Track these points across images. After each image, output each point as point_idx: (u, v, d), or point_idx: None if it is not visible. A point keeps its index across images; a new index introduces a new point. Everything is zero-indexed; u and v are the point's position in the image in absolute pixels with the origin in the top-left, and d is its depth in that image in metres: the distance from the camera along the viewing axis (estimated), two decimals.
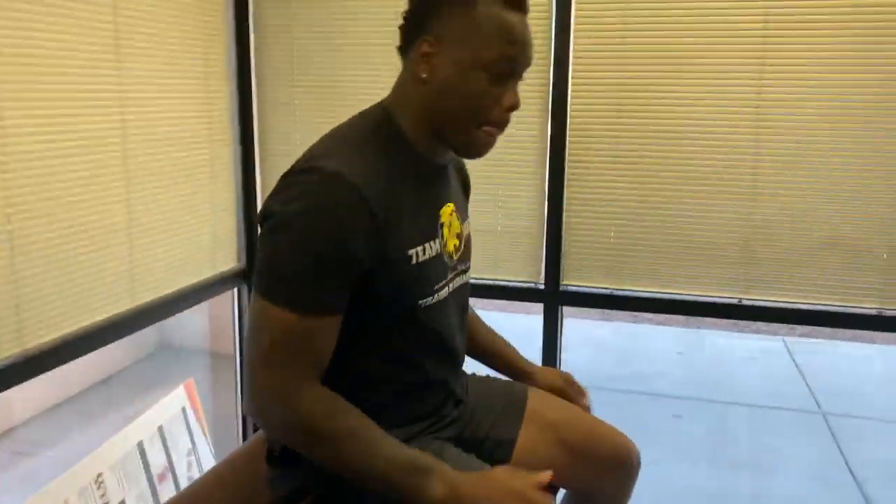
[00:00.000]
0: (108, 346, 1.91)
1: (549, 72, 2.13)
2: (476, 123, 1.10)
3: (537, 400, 1.37)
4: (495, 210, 2.26)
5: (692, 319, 5.61)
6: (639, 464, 1.41)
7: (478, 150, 1.14)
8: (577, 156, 2.16)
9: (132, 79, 1.93)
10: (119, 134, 1.90)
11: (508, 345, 1.51)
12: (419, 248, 1.12)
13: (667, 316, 5.62)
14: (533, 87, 2.15)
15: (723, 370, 4.65)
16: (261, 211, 1.08)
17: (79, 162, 1.77)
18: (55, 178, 1.71)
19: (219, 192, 2.34)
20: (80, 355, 1.83)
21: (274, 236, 1.03)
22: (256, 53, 2.38)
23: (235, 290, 2.50)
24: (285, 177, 1.07)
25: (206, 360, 3.83)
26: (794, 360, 4.88)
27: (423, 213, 1.14)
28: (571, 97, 2.13)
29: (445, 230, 1.20)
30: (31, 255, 1.66)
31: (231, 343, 2.61)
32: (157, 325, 4.10)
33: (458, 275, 1.24)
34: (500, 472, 1.09)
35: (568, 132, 2.15)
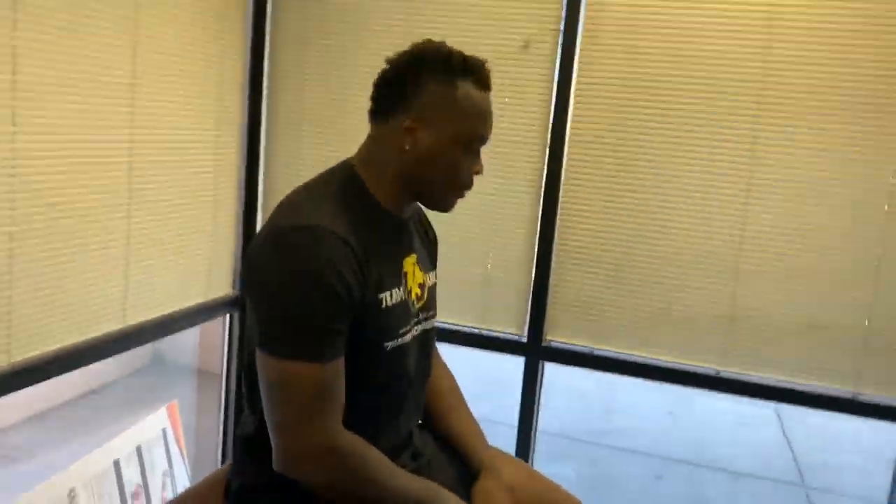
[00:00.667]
0: None
1: (546, 132, 2.19)
2: (451, 188, 1.26)
3: (495, 458, 1.40)
4: (484, 261, 2.31)
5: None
6: None
7: (446, 208, 1.29)
8: (569, 214, 2.21)
9: (144, 103, 2.01)
10: (126, 156, 1.97)
11: (472, 433, 1.44)
12: (387, 294, 1.21)
13: None
14: (528, 141, 2.21)
15: (710, 433, 4.63)
16: (251, 271, 1.14)
17: (84, 181, 1.84)
18: (59, 195, 1.77)
19: (220, 219, 2.40)
20: (68, 371, 1.87)
21: (277, 298, 1.10)
22: (269, 93, 2.46)
23: (227, 315, 2.55)
24: (270, 236, 1.13)
25: (196, 377, 3.88)
26: (783, 429, 4.86)
27: (389, 262, 1.24)
28: (567, 157, 2.19)
29: (409, 279, 1.29)
30: (28, 269, 1.71)
31: (219, 362, 2.65)
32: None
33: (419, 322, 1.31)
34: None
35: (560, 192, 2.20)
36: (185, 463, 2.46)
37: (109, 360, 3.86)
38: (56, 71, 1.72)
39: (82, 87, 1.80)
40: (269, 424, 1.12)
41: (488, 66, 1.24)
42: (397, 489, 1.16)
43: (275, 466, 1.12)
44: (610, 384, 5.37)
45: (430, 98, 1.19)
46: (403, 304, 1.25)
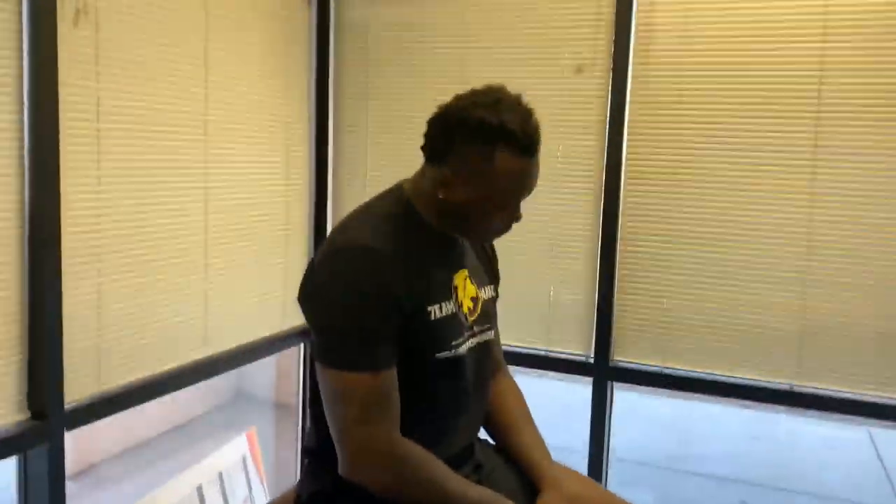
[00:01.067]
0: (189, 394, 2.06)
1: (603, 149, 2.21)
2: (484, 236, 1.38)
3: (559, 472, 1.42)
4: (548, 283, 2.32)
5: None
6: None
7: (485, 241, 1.40)
8: (631, 232, 2.22)
9: (217, 145, 2.13)
10: (202, 193, 2.09)
11: (536, 447, 1.44)
12: (436, 306, 1.26)
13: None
14: (587, 161, 2.24)
15: (797, 456, 4.45)
16: (309, 288, 1.24)
17: (164, 220, 1.96)
18: (142, 234, 1.90)
19: (292, 249, 2.50)
20: (152, 398, 1.98)
21: (332, 311, 1.19)
22: (334, 134, 2.57)
23: (302, 344, 2.64)
24: (325, 256, 1.22)
25: (273, 409, 4.00)
26: (877, 452, 4.62)
27: (437, 276, 1.29)
28: (626, 174, 2.20)
29: (460, 292, 1.33)
30: (115, 303, 1.84)
31: (295, 393, 2.74)
32: (236, 374, 4.30)
33: (474, 335, 1.35)
34: None
35: (620, 210, 2.21)
36: (264, 489, 2.54)
37: (195, 396, 4.02)
38: (134, 117, 1.86)
39: (160, 130, 1.94)
40: (332, 433, 1.19)
41: (533, 128, 1.21)
42: (457, 494, 1.20)
43: (340, 471, 1.19)
44: (689, 411, 5.23)
45: (464, 159, 1.21)
46: (454, 317, 1.30)
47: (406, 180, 1.34)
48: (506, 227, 1.31)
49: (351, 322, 1.17)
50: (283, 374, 3.78)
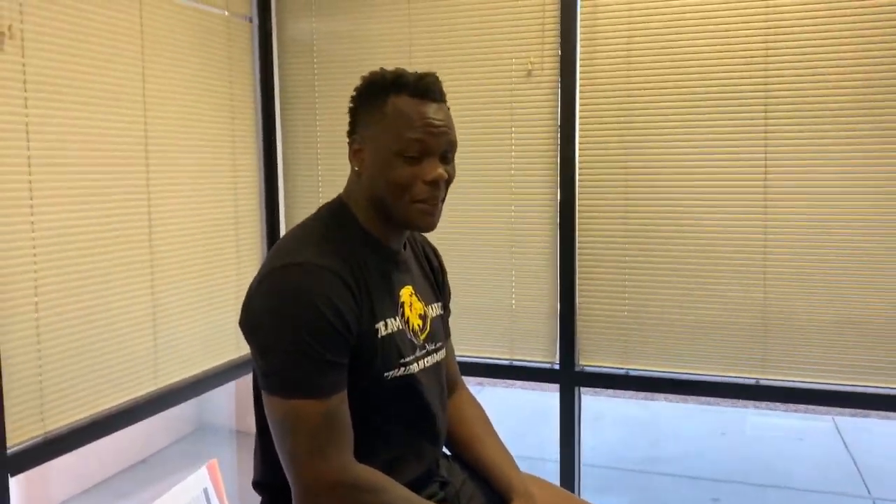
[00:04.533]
0: (148, 427, 1.97)
1: (556, 155, 2.19)
2: (405, 201, 1.21)
3: (527, 482, 1.38)
4: (509, 292, 2.30)
5: (736, 399, 5.46)
6: None
7: (420, 224, 1.23)
8: (587, 237, 2.20)
9: (160, 171, 2.06)
10: (146, 222, 2.02)
11: (502, 459, 1.39)
12: (382, 323, 1.21)
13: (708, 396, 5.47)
14: (541, 168, 2.22)
15: (766, 450, 4.48)
16: (248, 314, 1.16)
17: (106, 249, 1.88)
18: (82, 264, 1.81)
19: (244, 276, 2.43)
20: (102, 436, 1.89)
21: (274, 335, 1.11)
22: (284, 153, 2.51)
23: None
24: (263, 277, 1.16)
25: (235, 438, 3.90)
26: (843, 441, 4.68)
27: (383, 292, 1.23)
28: (579, 178, 2.19)
29: (406, 309, 1.28)
30: (55, 339, 1.75)
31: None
32: (197, 404, 4.18)
33: (428, 354, 1.30)
34: None
35: (577, 214, 2.19)
36: None
37: (154, 429, 3.89)
38: (68, 142, 1.78)
39: (97, 153, 1.86)
40: (283, 464, 1.12)
41: (430, 78, 1.23)
42: None
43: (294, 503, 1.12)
44: (658, 413, 5.25)
45: (365, 119, 1.22)
46: (402, 334, 1.25)
47: (342, 193, 1.30)
48: (420, 192, 1.19)
49: (294, 346, 1.09)
50: (243, 402, 3.69)
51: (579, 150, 2.18)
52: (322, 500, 1.10)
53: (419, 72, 1.24)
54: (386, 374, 1.20)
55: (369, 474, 1.13)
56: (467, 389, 1.51)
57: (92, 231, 1.84)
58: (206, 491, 2.42)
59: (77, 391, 1.81)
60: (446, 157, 1.23)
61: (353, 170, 1.26)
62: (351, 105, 1.26)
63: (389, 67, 1.26)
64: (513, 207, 2.25)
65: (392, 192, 1.20)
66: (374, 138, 1.21)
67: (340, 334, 1.12)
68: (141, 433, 3.79)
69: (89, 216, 1.84)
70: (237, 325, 2.27)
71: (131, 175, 1.97)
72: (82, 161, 1.81)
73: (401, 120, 1.19)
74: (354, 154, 1.24)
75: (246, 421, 3.74)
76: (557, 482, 2.25)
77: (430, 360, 1.31)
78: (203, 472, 2.46)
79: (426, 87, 1.22)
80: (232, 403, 3.85)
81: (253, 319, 1.15)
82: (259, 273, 1.18)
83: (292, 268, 1.13)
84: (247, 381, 2.65)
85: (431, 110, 1.21)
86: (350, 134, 1.26)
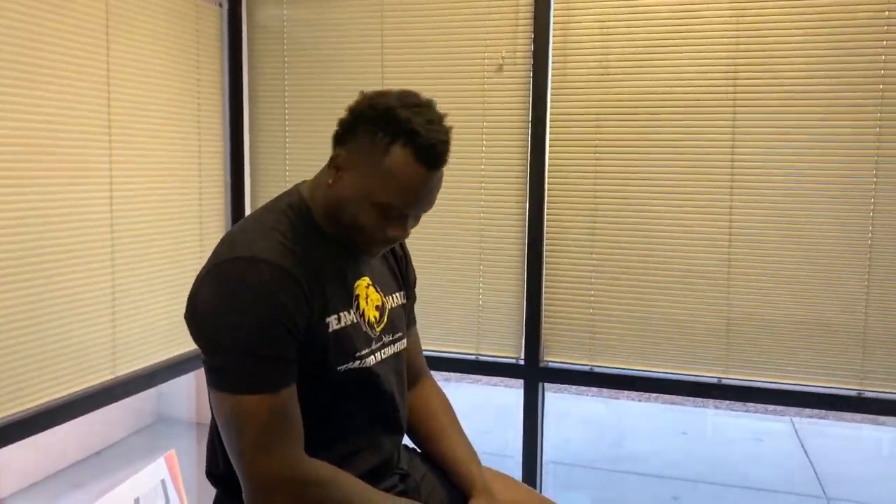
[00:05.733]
0: (105, 418, 1.92)
1: (526, 150, 2.19)
2: (363, 237, 1.17)
3: (488, 477, 1.36)
4: (476, 289, 2.29)
5: (697, 399, 5.53)
6: None
7: (366, 253, 1.21)
8: (555, 235, 2.20)
9: (122, 153, 2.01)
10: (106, 207, 1.97)
11: (464, 453, 1.37)
12: (333, 317, 1.17)
13: (670, 396, 5.53)
14: (511, 163, 2.21)
15: (725, 450, 4.54)
16: (193, 308, 1.13)
17: (64, 233, 1.83)
18: (39, 248, 1.76)
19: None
20: (57, 424, 1.85)
21: (219, 330, 1.08)
22: (251, 139, 2.47)
23: None
24: (209, 270, 1.12)
25: (195, 430, 3.84)
26: (801, 443, 4.76)
27: (336, 284, 1.20)
28: (548, 175, 2.19)
29: (362, 301, 1.25)
30: (8, 324, 1.70)
31: None
32: (156, 396, 4.11)
33: (385, 346, 1.28)
34: None
35: (545, 213, 2.19)
36: None
37: (112, 420, 3.81)
38: (28, 123, 1.73)
39: (59, 135, 1.81)
40: (232, 461, 1.09)
41: (441, 141, 1.12)
42: None
43: (245, 501, 1.09)
44: (621, 412, 5.29)
45: (360, 144, 1.13)
46: (356, 327, 1.22)
47: (304, 181, 1.26)
48: (377, 242, 1.17)
49: (240, 341, 1.06)
50: (204, 393, 3.64)
51: (549, 147, 2.18)
52: (272, 497, 1.07)
53: (434, 125, 1.13)
54: (339, 368, 1.17)
55: (319, 468, 1.11)
56: (432, 379, 1.49)
57: (51, 214, 1.79)
58: (163, 482, 2.37)
59: (30, 378, 1.76)
60: (419, 215, 1.19)
61: (325, 176, 1.18)
62: (353, 114, 1.16)
63: (409, 98, 1.14)
64: (482, 203, 2.24)
65: (352, 227, 1.16)
66: (360, 172, 1.13)
67: (288, 331, 1.08)
68: (97, 424, 3.72)
69: (48, 199, 1.79)
70: None
71: (93, 158, 1.92)
72: (42, 142, 1.76)
73: (394, 181, 1.11)
74: (333, 167, 1.16)
75: (206, 413, 3.69)
76: (520, 478, 2.25)
77: (387, 352, 1.28)
78: (161, 462, 2.41)
79: (435, 158, 1.12)
80: (192, 395, 3.79)
81: (198, 314, 1.11)
82: (207, 263, 1.14)
83: (239, 262, 1.09)
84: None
85: (429, 181, 1.14)
86: (338, 142, 1.17)
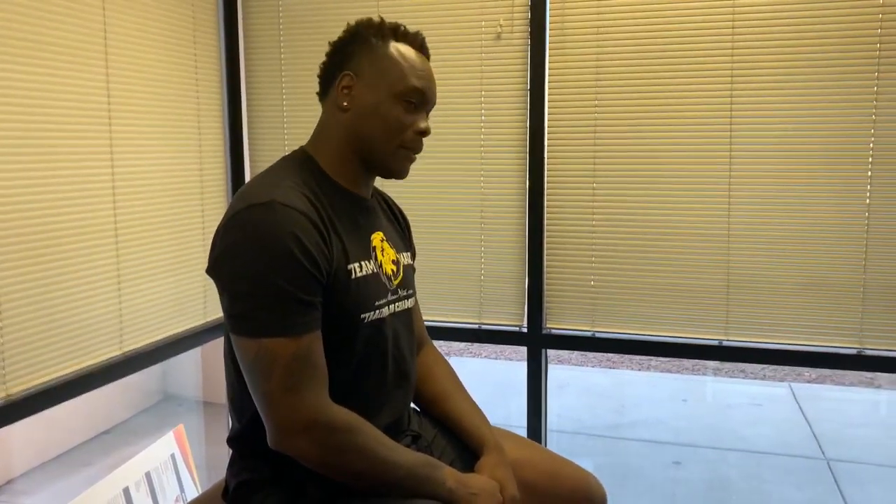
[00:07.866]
0: (113, 397, 1.94)
1: (525, 117, 2.19)
2: (394, 145, 1.23)
3: (498, 435, 1.39)
4: (478, 255, 2.30)
5: (697, 366, 5.59)
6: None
7: (398, 170, 1.26)
8: (555, 201, 2.21)
9: (123, 130, 2.01)
10: (109, 183, 1.97)
11: (472, 414, 1.40)
12: (356, 265, 1.20)
13: (671, 363, 5.58)
14: (510, 131, 2.21)
15: (725, 415, 4.60)
16: (214, 258, 1.14)
17: (69, 210, 1.84)
18: (44, 225, 1.77)
19: (210, 234, 2.39)
20: (65, 401, 1.86)
21: (242, 276, 1.09)
22: (249, 114, 2.47)
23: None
24: (229, 218, 1.13)
25: (202, 408, 3.88)
26: (799, 406, 4.82)
27: (354, 235, 1.23)
28: (548, 141, 2.19)
29: (379, 253, 1.27)
30: (17, 300, 1.71)
31: (222, 391, 2.64)
32: (162, 375, 4.14)
33: (399, 300, 1.30)
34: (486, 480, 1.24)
35: (545, 179, 2.20)
36: (197, 487, 2.44)
37: (119, 400, 3.84)
38: (26, 100, 1.73)
39: (57, 112, 1.81)
40: (258, 406, 1.11)
41: (421, 35, 1.28)
42: (391, 462, 1.14)
43: (270, 444, 1.11)
44: (621, 381, 5.34)
45: (362, 57, 1.22)
46: (376, 277, 1.24)
47: (304, 144, 1.29)
48: (413, 141, 1.24)
49: (264, 284, 1.07)
50: (209, 370, 3.66)
51: (548, 115, 2.18)
52: (297, 440, 1.09)
53: (411, 29, 1.28)
54: (362, 317, 1.19)
55: (345, 414, 1.13)
56: (434, 347, 1.51)
57: (54, 192, 1.80)
58: (172, 456, 2.41)
59: (38, 354, 1.77)
60: (429, 110, 1.28)
61: (333, 108, 1.24)
62: (338, 43, 1.26)
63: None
64: (482, 172, 2.25)
65: (384, 131, 1.22)
66: (372, 73, 1.22)
67: (309, 272, 1.10)
68: (105, 403, 3.75)
69: (51, 176, 1.79)
70: (202, 289, 2.24)
71: (94, 134, 1.92)
72: (42, 119, 1.76)
73: (406, 64, 1.22)
74: (344, 89, 1.22)
75: (212, 391, 3.72)
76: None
77: (401, 306, 1.31)
78: (170, 437, 2.45)
79: (422, 43, 1.27)
80: (198, 373, 3.82)
81: (219, 262, 1.12)
82: (224, 218, 1.15)
83: (257, 208, 1.10)
84: (213, 347, 2.64)
85: (428, 66, 1.27)
86: (336, 70, 1.24)
